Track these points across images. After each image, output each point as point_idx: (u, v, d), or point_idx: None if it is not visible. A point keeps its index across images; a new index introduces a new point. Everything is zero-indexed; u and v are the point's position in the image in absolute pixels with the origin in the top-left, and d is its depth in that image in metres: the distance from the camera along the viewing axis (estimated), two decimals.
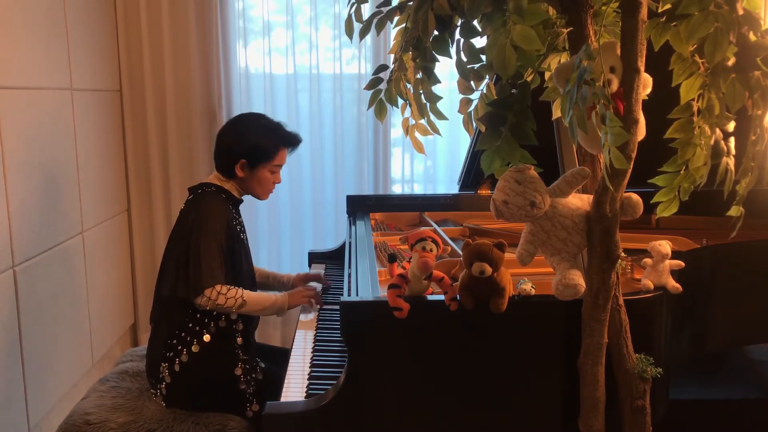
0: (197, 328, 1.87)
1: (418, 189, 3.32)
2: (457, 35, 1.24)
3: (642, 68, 1.19)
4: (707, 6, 1.08)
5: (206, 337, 1.87)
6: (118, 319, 3.03)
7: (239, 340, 1.93)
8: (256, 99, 3.15)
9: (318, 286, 2.28)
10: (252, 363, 1.93)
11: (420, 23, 1.23)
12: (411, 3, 1.28)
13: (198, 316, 1.88)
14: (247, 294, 1.88)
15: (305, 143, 3.19)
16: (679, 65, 1.23)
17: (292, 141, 2.06)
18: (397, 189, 3.30)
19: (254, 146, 1.96)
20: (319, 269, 2.52)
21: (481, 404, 1.44)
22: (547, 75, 1.42)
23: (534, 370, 1.44)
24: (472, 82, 1.32)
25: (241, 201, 2.06)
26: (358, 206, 2.61)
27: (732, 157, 1.27)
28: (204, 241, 1.83)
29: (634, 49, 1.17)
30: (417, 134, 1.44)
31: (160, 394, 1.87)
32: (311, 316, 2.03)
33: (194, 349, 1.86)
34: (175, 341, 1.87)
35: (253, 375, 1.91)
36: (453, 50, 1.26)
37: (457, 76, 1.30)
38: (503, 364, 1.43)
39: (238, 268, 1.95)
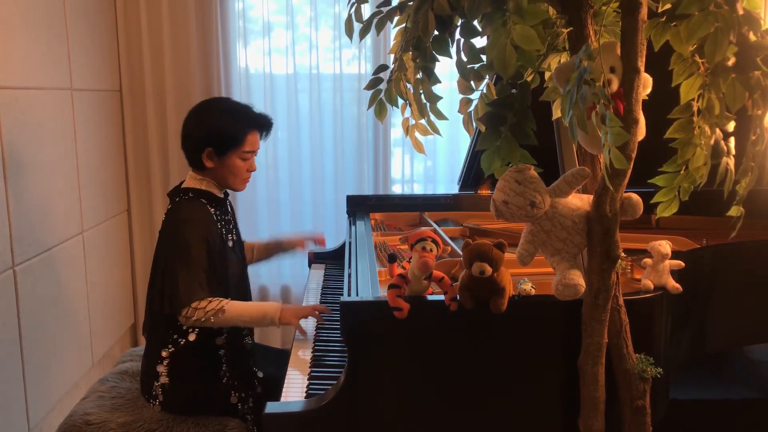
0: (181, 342, 1.83)
1: (418, 189, 3.32)
2: (457, 35, 1.24)
3: (642, 68, 1.19)
4: (707, 6, 1.08)
5: (187, 357, 1.82)
6: (118, 319, 3.03)
7: (223, 363, 1.86)
8: (256, 99, 3.15)
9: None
10: (247, 390, 1.85)
11: (420, 23, 1.23)
12: (411, 3, 1.28)
13: (178, 330, 1.83)
14: (232, 305, 1.77)
15: (305, 143, 3.21)
16: (679, 65, 1.23)
17: (261, 123, 1.88)
18: (397, 189, 3.30)
19: (220, 132, 1.80)
20: (319, 269, 2.51)
21: (481, 404, 1.44)
22: (547, 75, 1.42)
23: (534, 370, 1.44)
24: (472, 82, 1.32)
25: (225, 197, 1.93)
26: (358, 206, 2.61)
27: (732, 157, 1.27)
28: (181, 258, 1.74)
29: (634, 49, 1.17)
30: (417, 134, 1.44)
31: (154, 407, 1.84)
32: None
33: (179, 367, 1.82)
34: (166, 360, 1.83)
35: (249, 404, 1.86)
36: (453, 50, 1.26)
37: (457, 76, 1.30)
38: (503, 364, 1.43)
39: (224, 273, 1.85)
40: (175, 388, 1.82)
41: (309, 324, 1.98)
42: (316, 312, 1.87)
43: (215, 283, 1.82)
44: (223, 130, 1.82)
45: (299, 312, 1.85)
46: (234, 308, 1.77)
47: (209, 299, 1.76)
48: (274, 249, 2.30)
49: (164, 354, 1.84)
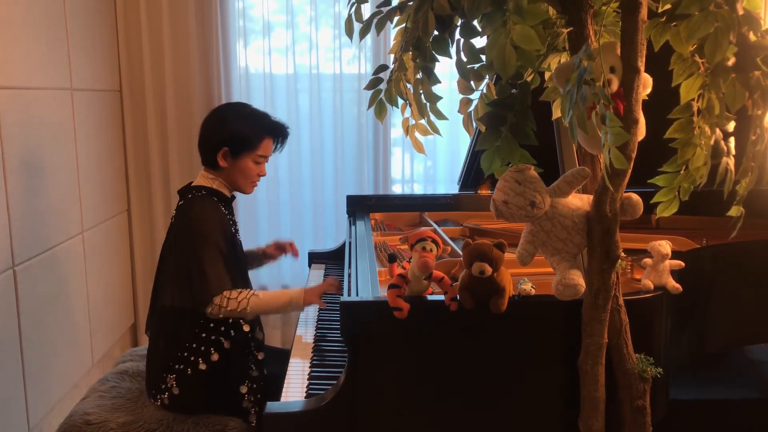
0: (213, 337, 1.84)
1: (418, 189, 3.32)
2: (457, 35, 1.24)
3: (642, 68, 1.19)
4: (707, 6, 1.08)
5: (224, 347, 1.84)
6: (118, 319, 3.03)
7: (258, 354, 1.90)
8: (256, 99, 3.15)
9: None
10: (260, 381, 1.88)
11: (420, 23, 1.23)
12: (411, 3, 1.28)
13: (203, 325, 1.84)
14: (261, 294, 1.84)
15: (305, 143, 3.21)
16: (679, 65, 1.23)
17: (277, 130, 1.97)
18: (397, 189, 3.30)
19: (237, 133, 1.88)
20: (319, 269, 2.51)
21: (480, 404, 1.44)
22: (547, 75, 1.42)
23: (534, 370, 1.44)
24: (472, 82, 1.32)
25: (233, 198, 1.99)
26: (358, 206, 2.61)
27: (732, 157, 1.27)
28: (205, 249, 1.79)
29: (634, 49, 1.17)
30: (417, 134, 1.44)
31: (162, 404, 1.84)
32: (312, 322, 1.99)
33: (212, 358, 1.82)
34: (186, 353, 1.83)
35: (258, 396, 1.87)
36: (453, 50, 1.26)
37: (457, 76, 1.30)
38: (503, 364, 1.43)
39: (237, 268, 1.91)
40: (199, 383, 1.83)
41: (309, 320, 2.00)
42: (332, 287, 1.96)
43: (235, 275, 1.86)
44: (240, 132, 1.89)
45: (319, 290, 1.94)
46: (263, 296, 1.84)
47: (239, 290, 1.81)
48: (250, 260, 2.29)
49: (191, 352, 1.84)
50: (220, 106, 2.02)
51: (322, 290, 1.94)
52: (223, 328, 1.85)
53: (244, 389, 1.85)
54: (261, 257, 2.30)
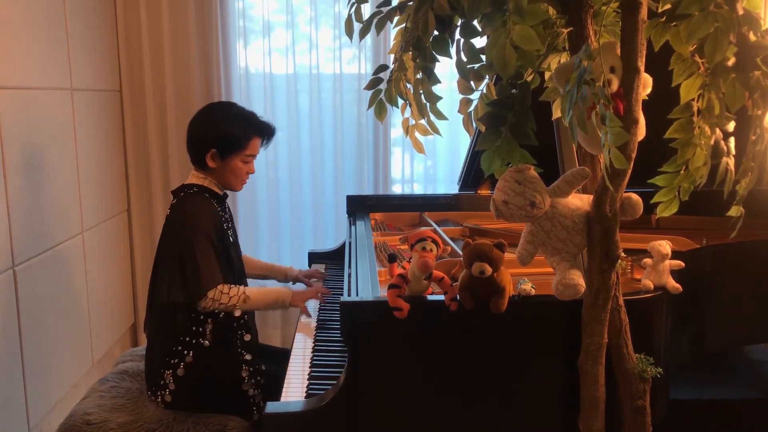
0: (198, 329, 1.86)
1: (418, 189, 3.32)
2: (457, 35, 1.24)
3: (642, 68, 1.19)
4: (707, 6, 1.08)
5: (206, 340, 1.85)
6: (118, 319, 3.03)
7: (246, 337, 1.92)
8: (256, 99, 3.15)
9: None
10: (257, 366, 1.91)
11: (420, 23, 1.23)
12: (411, 3, 1.28)
13: (195, 317, 1.85)
14: (250, 290, 1.89)
15: (305, 143, 3.21)
16: (679, 65, 1.23)
17: (265, 130, 1.98)
18: (397, 189, 3.30)
19: (225, 135, 1.89)
20: (319, 269, 2.51)
21: (481, 404, 1.44)
22: (547, 75, 1.42)
23: (534, 370, 1.44)
24: (472, 82, 1.32)
25: (225, 196, 2.01)
26: (358, 206, 2.61)
27: (732, 157, 1.27)
28: (198, 243, 1.80)
29: (634, 49, 1.17)
30: (417, 134, 1.44)
31: (163, 401, 1.85)
32: (312, 323, 2.01)
33: (197, 352, 1.84)
34: (180, 347, 1.85)
35: (258, 378, 1.89)
36: (453, 50, 1.26)
37: (457, 76, 1.30)
38: (503, 364, 1.43)
39: (231, 264, 1.92)
40: (192, 376, 1.83)
41: (309, 320, 2.00)
42: (319, 294, 2.06)
43: (227, 271, 1.88)
44: (228, 134, 1.91)
45: (305, 295, 2.04)
46: (254, 294, 1.89)
47: (230, 285, 1.85)
48: (275, 274, 2.35)
49: (184, 345, 1.85)
50: (206, 107, 2.02)
51: (309, 296, 2.03)
52: (205, 321, 1.86)
53: (244, 374, 1.87)
54: (284, 277, 2.34)
